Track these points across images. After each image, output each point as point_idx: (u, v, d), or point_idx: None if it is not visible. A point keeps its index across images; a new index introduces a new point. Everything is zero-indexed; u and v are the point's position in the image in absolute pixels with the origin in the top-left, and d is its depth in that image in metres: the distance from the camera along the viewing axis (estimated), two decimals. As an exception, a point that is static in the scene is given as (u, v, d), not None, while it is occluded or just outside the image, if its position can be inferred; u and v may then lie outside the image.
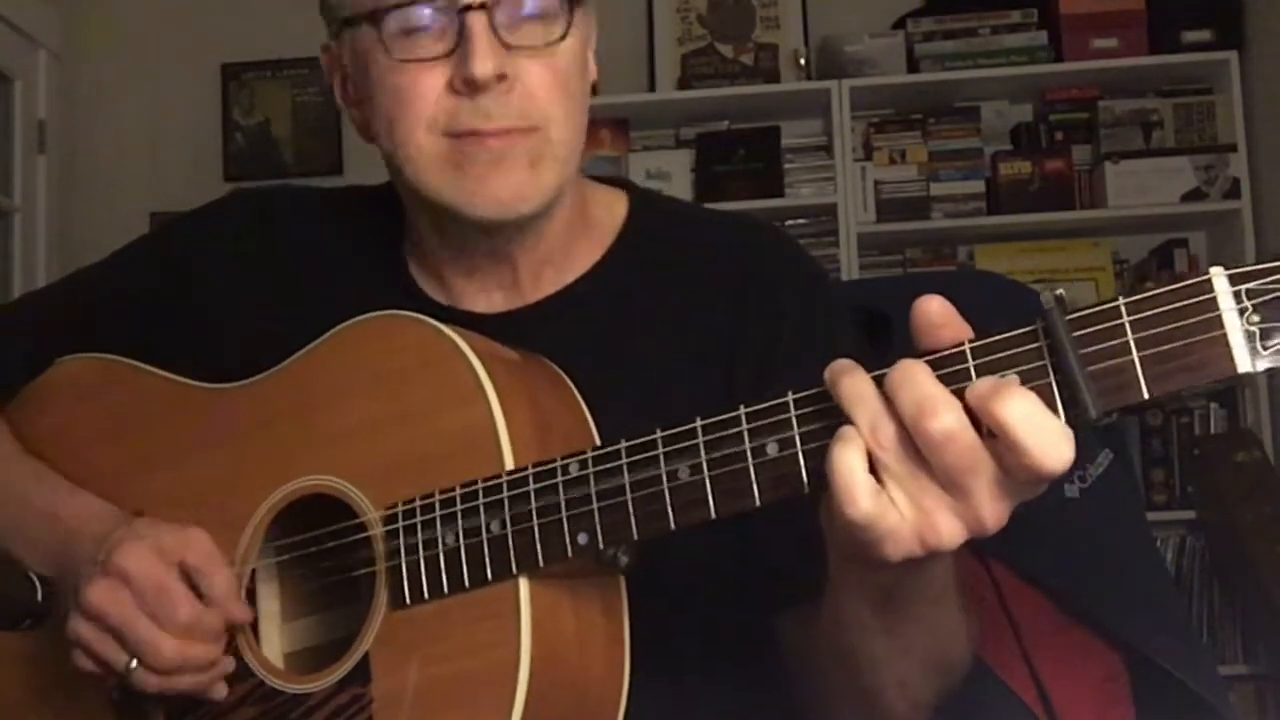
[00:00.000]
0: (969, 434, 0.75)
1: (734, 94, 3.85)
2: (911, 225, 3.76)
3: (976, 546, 1.14)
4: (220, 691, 1.03)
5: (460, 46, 1.03)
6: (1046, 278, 3.64)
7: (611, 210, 1.19)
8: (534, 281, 1.14)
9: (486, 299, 1.15)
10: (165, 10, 4.08)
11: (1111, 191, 3.67)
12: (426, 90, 1.04)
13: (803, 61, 3.89)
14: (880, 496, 0.77)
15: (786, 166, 3.81)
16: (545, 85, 1.05)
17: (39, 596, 1.12)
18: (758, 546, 1.04)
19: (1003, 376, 0.76)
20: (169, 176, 3.94)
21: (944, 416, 0.74)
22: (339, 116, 4.03)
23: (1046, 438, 0.73)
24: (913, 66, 3.81)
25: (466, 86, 1.03)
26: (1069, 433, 0.73)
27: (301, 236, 1.22)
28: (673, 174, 3.79)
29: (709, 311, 1.12)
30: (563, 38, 1.05)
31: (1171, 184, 3.66)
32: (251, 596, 1.05)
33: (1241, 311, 0.71)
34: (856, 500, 0.77)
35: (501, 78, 1.03)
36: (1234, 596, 3.49)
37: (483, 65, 1.01)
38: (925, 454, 0.76)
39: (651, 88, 3.89)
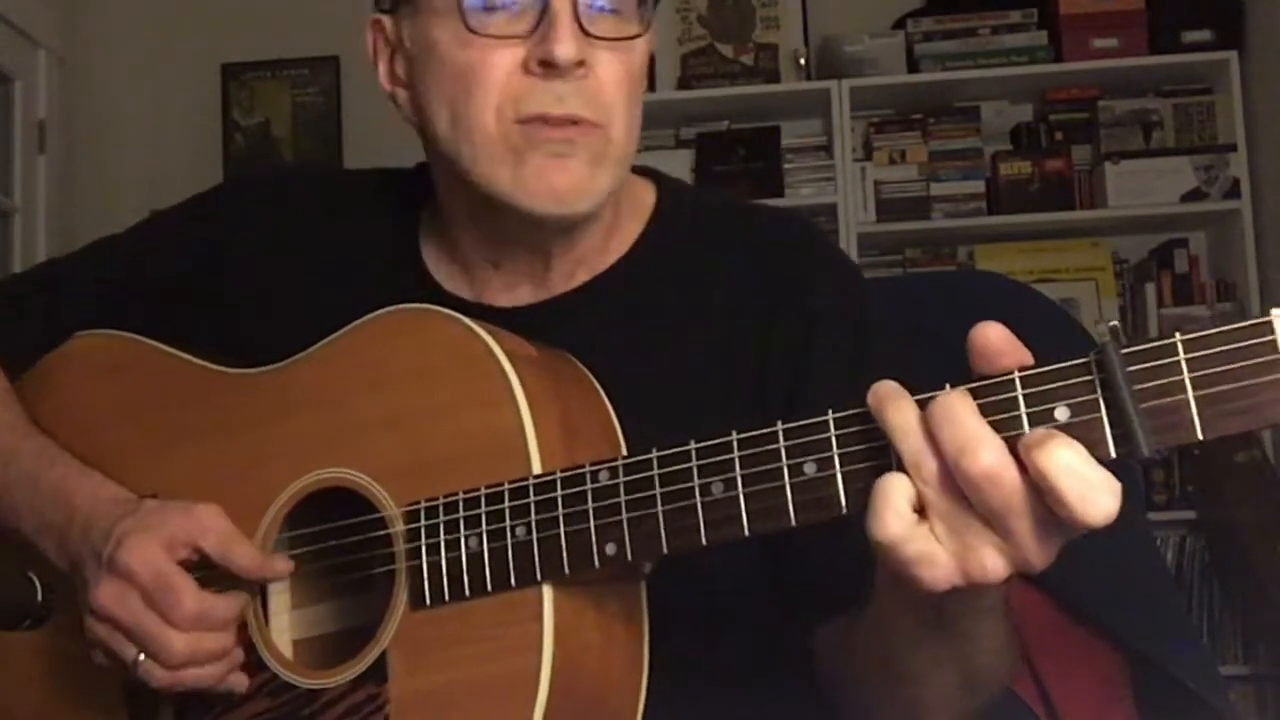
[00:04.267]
0: (1011, 475, 0.73)
1: (734, 94, 3.85)
2: (911, 225, 3.76)
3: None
4: (240, 683, 1.02)
5: (541, 27, 1.02)
6: (1046, 278, 3.64)
7: (639, 200, 1.17)
8: (565, 278, 1.13)
9: (510, 294, 1.13)
10: (165, 10, 4.08)
11: (1111, 191, 3.67)
12: (499, 69, 1.03)
13: (803, 61, 3.89)
14: (911, 524, 0.75)
15: (786, 166, 3.81)
16: (616, 81, 1.05)
17: (39, 597, 1.11)
18: (799, 555, 1.02)
19: (1054, 408, 0.74)
20: (169, 176, 3.93)
21: (984, 457, 0.73)
22: (339, 116, 4.04)
23: (1088, 491, 0.71)
24: (913, 66, 3.81)
25: (544, 68, 1.01)
26: (1114, 485, 0.72)
27: (320, 220, 1.20)
28: (673, 174, 3.78)
29: (740, 308, 1.10)
30: (639, 35, 1.05)
31: (1171, 184, 3.66)
32: (264, 587, 1.04)
33: None
34: (885, 522, 0.75)
35: (580, 64, 1.02)
36: (1234, 596, 3.49)
37: (566, 47, 1.01)
38: (966, 493, 0.74)
39: (651, 88, 3.88)
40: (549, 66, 1.01)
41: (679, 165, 3.83)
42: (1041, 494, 0.72)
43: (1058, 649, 1.37)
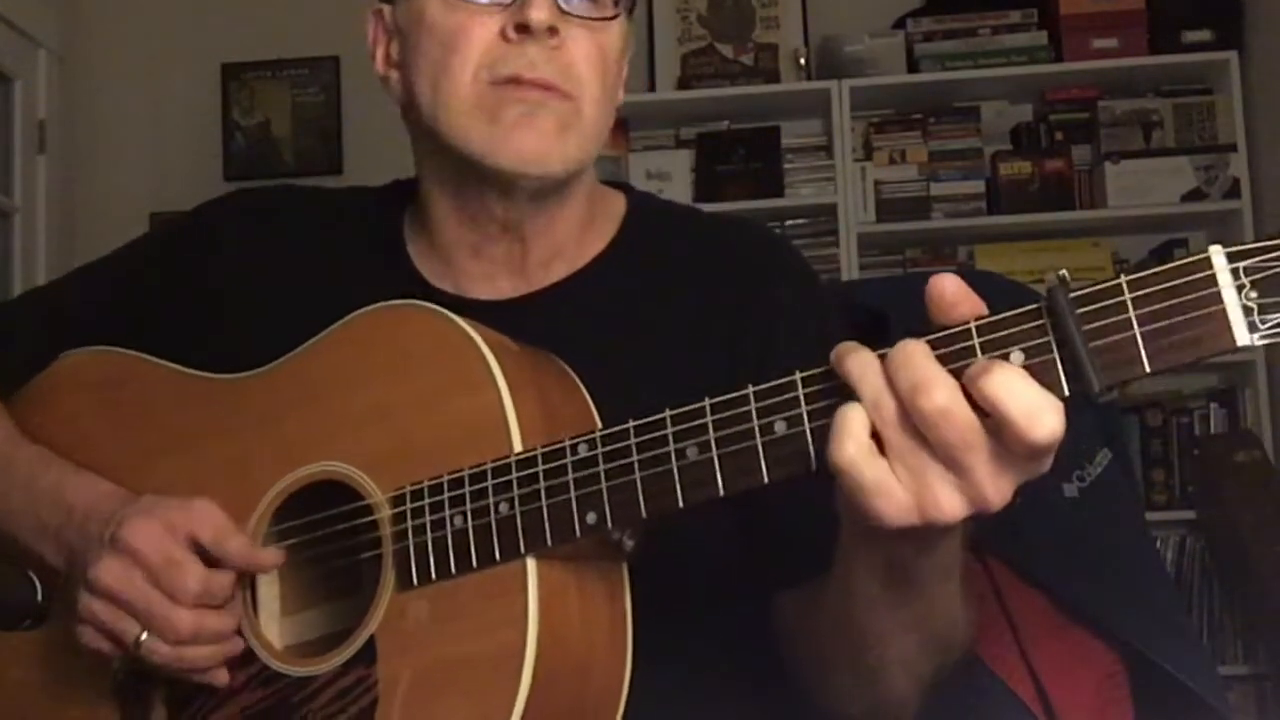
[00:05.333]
0: (963, 411, 0.77)
1: (734, 94, 3.85)
2: (911, 225, 3.76)
3: (976, 545, 1.14)
4: (221, 678, 1.03)
5: None
6: (1047, 278, 3.64)
7: (611, 207, 1.22)
8: (543, 269, 1.17)
9: (492, 286, 1.16)
10: (165, 10, 4.08)
11: (1111, 191, 3.67)
12: (478, 35, 1.09)
13: (803, 61, 3.89)
14: (867, 450, 0.79)
15: (786, 166, 3.81)
16: (589, 57, 1.11)
17: (39, 596, 1.12)
18: (763, 524, 1.05)
19: (1008, 353, 0.78)
20: (169, 176, 3.94)
21: (937, 394, 0.77)
22: (339, 116, 4.04)
23: (1030, 409, 0.75)
24: (913, 66, 3.81)
25: (519, 31, 1.08)
26: (1056, 404, 0.76)
27: (306, 231, 1.23)
28: (673, 174, 3.79)
29: (709, 305, 1.14)
30: (612, 17, 1.12)
31: (1171, 184, 3.66)
32: (253, 586, 1.05)
33: (1240, 288, 0.73)
34: (843, 446, 0.79)
35: (553, 31, 1.08)
36: (1234, 596, 3.49)
37: (539, 12, 1.07)
38: (923, 431, 0.78)
39: (651, 88, 3.89)
40: (523, 30, 1.08)
41: (679, 165, 3.83)
42: (991, 422, 0.76)
43: (1057, 649, 1.37)
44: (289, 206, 1.27)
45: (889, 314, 1.33)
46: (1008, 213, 3.74)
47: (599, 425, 1.00)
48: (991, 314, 0.79)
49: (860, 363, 0.80)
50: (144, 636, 1.02)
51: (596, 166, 1.20)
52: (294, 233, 1.23)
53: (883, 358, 0.80)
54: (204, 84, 4.06)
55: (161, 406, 1.15)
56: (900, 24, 3.87)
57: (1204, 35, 3.70)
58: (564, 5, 1.09)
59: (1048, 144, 3.80)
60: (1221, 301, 0.74)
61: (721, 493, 0.86)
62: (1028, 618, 1.37)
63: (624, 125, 3.83)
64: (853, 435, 0.79)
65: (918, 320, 0.81)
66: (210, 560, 1.03)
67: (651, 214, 1.23)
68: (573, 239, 1.18)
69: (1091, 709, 1.36)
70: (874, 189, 3.77)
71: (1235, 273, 0.74)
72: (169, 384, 1.16)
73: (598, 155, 1.15)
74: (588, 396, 1.03)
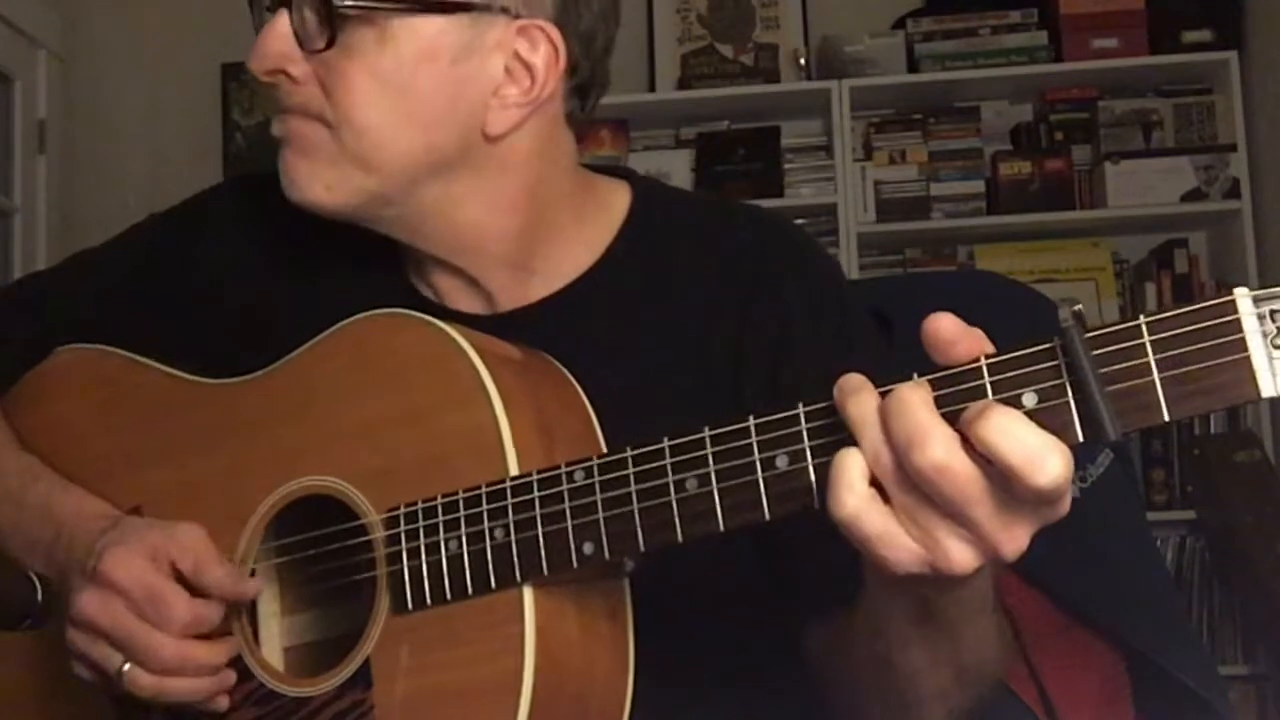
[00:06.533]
0: (962, 465, 0.72)
1: (734, 94, 3.85)
2: (911, 225, 3.76)
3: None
4: (221, 705, 1.02)
5: None
6: (1046, 278, 3.64)
7: (612, 203, 1.16)
8: (515, 287, 1.12)
9: (469, 301, 1.13)
10: (165, 10, 4.08)
11: (1111, 191, 3.67)
12: None
13: (803, 61, 3.89)
14: (866, 500, 0.75)
15: (786, 166, 3.81)
16: (344, 85, 1.03)
17: (39, 597, 1.11)
18: (786, 554, 1.02)
19: (1020, 394, 0.73)
20: (169, 176, 3.94)
21: (932, 450, 0.72)
22: (339, 116, 4.04)
23: (1031, 455, 0.70)
24: (913, 66, 3.81)
25: (254, 79, 1.05)
26: (1059, 447, 0.70)
27: (301, 227, 1.18)
28: (673, 174, 3.78)
29: (716, 308, 1.10)
30: (327, 47, 1.01)
31: (1171, 184, 3.66)
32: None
33: (1265, 334, 0.69)
34: (840, 499, 0.75)
35: (283, 73, 1.04)
36: (1234, 596, 3.49)
37: (251, 60, 1.04)
38: (921, 487, 0.73)
39: (651, 88, 3.89)
40: (254, 78, 1.05)
41: (679, 165, 3.83)
42: (995, 473, 0.72)
43: (1058, 649, 1.37)
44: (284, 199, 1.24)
45: (890, 315, 1.33)
46: (1008, 213, 3.73)
47: (599, 437, 0.99)
48: (1000, 351, 0.75)
49: (859, 409, 0.76)
50: (126, 667, 1.00)
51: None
52: (291, 227, 1.18)
53: (885, 397, 0.75)
54: (204, 84, 4.06)
55: (153, 411, 1.13)
56: (900, 24, 3.87)
57: (1204, 35, 3.70)
58: (305, 42, 1.02)
59: (1048, 144, 3.80)
60: (1246, 349, 0.69)
61: (722, 528, 0.82)
62: (1029, 618, 1.37)
63: (624, 125, 3.83)
64: (851, 487, 0.75)
65: (920, 324, 0.79)
66: (193, 589, 1.01)
67: (657, 210, 1.16)
68: (524, 253, 1.11)
69: (1092, 709, 1.36)
70: (874, 189, 3.77)
71: (1261, 317, 0.69)
72: (161, 388, 1.14)
73: (581, 160, 1.10)
74: (588, 405, 1.01)
